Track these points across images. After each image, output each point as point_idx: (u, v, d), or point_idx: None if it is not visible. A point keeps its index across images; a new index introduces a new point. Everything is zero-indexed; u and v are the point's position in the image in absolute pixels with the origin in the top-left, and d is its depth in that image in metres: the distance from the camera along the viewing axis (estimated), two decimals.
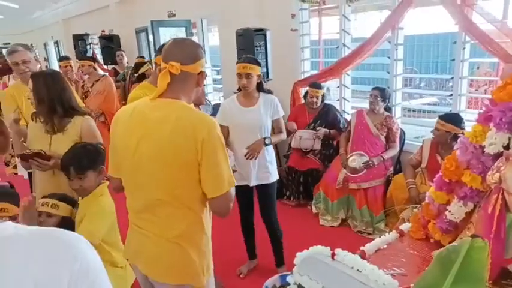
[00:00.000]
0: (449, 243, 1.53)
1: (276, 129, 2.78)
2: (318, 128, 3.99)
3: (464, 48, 3.38)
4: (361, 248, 1.58)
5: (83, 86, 4.95)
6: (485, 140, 1.34)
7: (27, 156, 2.06)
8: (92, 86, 4.90)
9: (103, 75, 5.15)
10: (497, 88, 1.37)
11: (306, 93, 4.22)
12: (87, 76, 5.07)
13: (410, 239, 1.68)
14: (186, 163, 1.41)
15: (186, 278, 1.54)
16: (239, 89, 2.72)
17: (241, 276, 2.95)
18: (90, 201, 1.91)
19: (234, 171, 1.88)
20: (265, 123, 2.67)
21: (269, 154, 2.72)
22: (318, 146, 4.00)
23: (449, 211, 1.48)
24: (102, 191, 1.95)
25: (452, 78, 3.55)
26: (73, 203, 1.94)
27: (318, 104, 4.08)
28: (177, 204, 1.47)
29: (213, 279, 1.69)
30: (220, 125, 2.69)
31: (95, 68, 5.04)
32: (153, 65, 5.07)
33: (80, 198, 1.98)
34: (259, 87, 2.68)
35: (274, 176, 2.75)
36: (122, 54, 6.03)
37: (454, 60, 3.47)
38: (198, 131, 1.39)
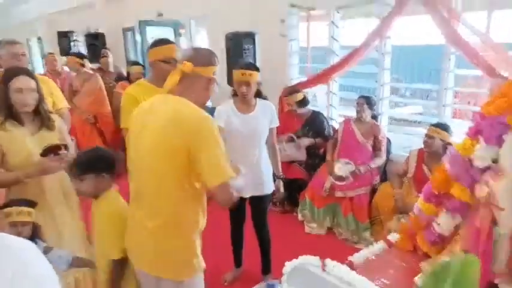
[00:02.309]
0: (437, 255, 1.54)
1: (269, 139, 2.67)
2: (299, 141, 3.95)
3: (449, 60, 3.45)
4: (349, 258, 1.57)
5: (71, 84, 4.80)
6: (474, 153, 1.35)
7: (57, 147, 1.96)
8: (82, 85, 4.77)
9: (92, 74, 4.94)
10: (486, 102, 1.39)
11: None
12: (73, 74, 4.95)
13: (398, 250, 1.68)
14: (175, 154, 1.46)
15: (164, 271, 1.57)
16: (235, 94, 2.63)
17: (225, 284, 2.90)
18: (98, 211, 1.81)
19: None
20: (264, 130, 2.59)
21: (264, 165, 2.63)
22: (303, 156, 3.96)
23: (438, 223, 1.48)
24: (109, 197, 1.82)
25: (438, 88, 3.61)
26: (34, 206, 1.86)
27: (300, 110, 4.04)
28: (162, 194, 1.52)
29: (200, 280, 1.67)
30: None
31: (83, 65, 4.87)
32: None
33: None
34: (257, 93, 2.60)
35: (268, 188, 2.66)
36: (107, 53, 5.92)
37: (440, 70, 3.53)
38: (189, 124, 1.46)
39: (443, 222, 1.45)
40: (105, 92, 4.91)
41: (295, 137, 3.99)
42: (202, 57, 1.59)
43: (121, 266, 1.76)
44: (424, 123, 3.29)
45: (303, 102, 4.06)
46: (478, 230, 1.23)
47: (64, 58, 8.05)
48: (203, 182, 1.51)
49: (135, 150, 1.61)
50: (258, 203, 2.69)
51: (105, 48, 6.32)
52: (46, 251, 1.78)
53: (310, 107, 4.22)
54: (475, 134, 1.37)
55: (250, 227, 2.82)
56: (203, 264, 1.64)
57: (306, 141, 3.96)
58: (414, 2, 3.33)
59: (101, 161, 1.79)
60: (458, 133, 3.06)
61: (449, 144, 2.90)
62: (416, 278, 1.28)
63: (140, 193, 1.58)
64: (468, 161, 1.38)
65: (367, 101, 3.64)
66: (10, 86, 1.96)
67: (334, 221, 3.63)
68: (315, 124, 4.06)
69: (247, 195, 2.62)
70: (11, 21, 14.03)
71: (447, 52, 3.43)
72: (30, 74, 2.06)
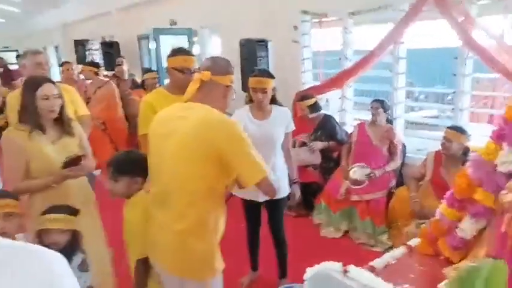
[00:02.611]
0: (460, 260, 1.53)
1: (284, 143, 2.68)
2: (311, 144, 3.96)
3: (466, 64, 3.42)
4: (371, 263, 1.57)
5: (85, 92, 4.86)
6: (498, 158, 1.34)
7: (78, 158, 2.02)
8: (95, 92, 4.81)
9: (105, 81, 4.99)
10: (509, 107, 1.38)
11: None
12: (89, 81, 5.00)
13: (419, 255, 1.67)
14: (205, 158, 1.52)
15: (188, 272, 1.62)
16: (250, 100, 2.67)
17: (242, 287, 2.92)
18: (127, 213, 1.85)
19: None
20: (279, 136, 2.61)
21: (279, 169, 2.62)
22: (317, 160, 3.98)
23: (461, 228, 1.48)
24: (134, 203, 1.85)
25: (454, 92, 3.59)
26: (76, 213, 1.90)
27: (311, 115, 4.05)
28: (190, 198, 1.56)
29: (220, 280, 1.72)
30: None
31: (97, 74, 4.95)
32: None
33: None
34: (272, 100, 2.63)
35: (283, 192, 2.66)
36: (122, 62, 6.01)
37: (455, 75, 3.51)
38: (219, 128, 1.53)
39: (467, 227, 1.45)
40: (117, 99, 4.90)
41: (307, 141, 4.00)
42: (219, 67, 1.67)
43: (146, 265, 1.80)
44: (440, 127, 3.26)
45: (315, 107, 4.08)
46: (504, 235, 1.23)
47: (80, 66, 8.20)
48: (241, 182, 1.60)
49: (158, 156, 1.64)
50: (274, 206, 2.71)
51: (120, 57, 6.41)
52: (82, 268, 1.81)
53: (324, 112, 4.23)
54: (498, 138, 1.36)
55: (266, 230, 2.83)
56: (223, 265, 1.71)
57: (320, 144, 3.97)
58: (428, 8, 3.32)
59: (136, 165, 1.82)
60: (476, 137, 3.04)
61: (467, 148, 2.88)
62: (441, 284, 1.28)
63: (165, 197, 1.61)
64: (492, 166, 1.38)
65: (381, 104, 3.64)
66: (37, 94, 2.01)
67: (351, 225, 3.62)
68: (326, 128, 4.07)
69: (262, 200, 2.64)
70: (28, 30, 14.36)
71: (463, 56, 3.41)
72: (52, 81, 2.14)
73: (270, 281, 2.89)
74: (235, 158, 1.54)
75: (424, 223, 1.79)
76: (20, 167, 2.01)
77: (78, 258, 1.81)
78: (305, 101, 4.05)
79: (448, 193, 1.56)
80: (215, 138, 1.51)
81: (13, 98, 2.64)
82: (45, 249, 0.69)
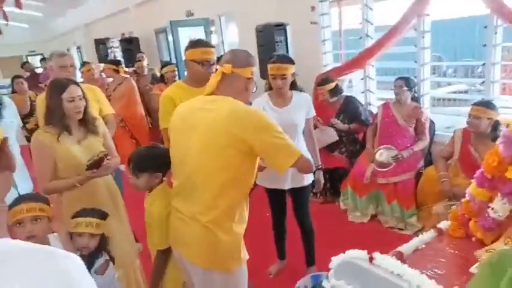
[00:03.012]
0: (493, 242, 1.45)
1: (306, 129, 2.63)
2: (332, 121, 3.87)
3: (496, 33, 3.23)
4: (398, 248, 1.52)
5: (107, 90, 4.90)
6: None
7: (101, 159, 2.05)
8: (114, 89, 4.85)
9: (124, 77, 4.99)
10: None
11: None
12: (111, 79, 5.05)
13: (450, 237, 1.60)
14: (226, 150, 1.52)
15: (214, 263, 1.62)
16: (270, 88, 2.62)
17: (270, 276, 2.92)
18: (148, 205, 1.88)
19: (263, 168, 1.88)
20: (300, 123, 2.55)
21: None
22: (335, 137, 3.87)
23: (492, 208, 1.40)
24: (155, 195, 1.86)
25: (484, 64, 3.40)
26: (106, 217, 1.91)
27: (332, 99, 3.94)
28: (212, 190, 1.56)
29: (245, 270, 1.72)
30: None
31: (118, 71, 5.00)
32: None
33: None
34: (292, 86, 2.56)
35: (308, 179, 2.62)
36: (142, 57, 6.06)
37: (485, 45, 3.32)
38: (247, 118, 1.53)
39: (499, 208, 1.37)
40: (136, 95, 4.90)
41: (317, 123, 3.89)
42: (240, 59, 1.67)
43: (166, 256, 1.83)
44: (470, 102, 3.08)
45: (335, 91, 3.96)
46: None
47: (101, 65, 8.34)
48: (276, 169, 1.60)
49: (180, 148, 1.65)
50: (298, 194, 2.67)
51: (140, 52, 6.46)
52: (100, 271, 1.82)
53: (345, 94, 4.12)
54: None
55: (292, 218, 2.81)
56: (247, 255, 1.71)
57: (340, 126, 3.88)
58: None
59: (156, 161, 1.82)
60: (509, 110, 2.87)
61: (497, 122, 2.71)
62: (472, 268, 1.22)
63: (189, 190, 1.62)
64: None
65: (405, 82, 3.50)
66: (63, 97, 2.06)
67: (378, 208, 3.54)
68: (348, 110, 3.96)
69: (287, 188, 2.61)
70: (51, 33, 14.75)
71: (492, 25, 3.21)
72: (76, 83, 2.18)
73: (298, 269, 2.86)
74: (266, 147, 1.55)
75: (453, 204, 1.72)
76: (49, 168, 2.07)
77: (100, 261, 1.84)
78: (325, 85, 3.94)
79: (477, 172, 1.47)
80: (243, 131, 1.51)
81: (42, 101, 2.71)
82: (64, 252, 0.70)
